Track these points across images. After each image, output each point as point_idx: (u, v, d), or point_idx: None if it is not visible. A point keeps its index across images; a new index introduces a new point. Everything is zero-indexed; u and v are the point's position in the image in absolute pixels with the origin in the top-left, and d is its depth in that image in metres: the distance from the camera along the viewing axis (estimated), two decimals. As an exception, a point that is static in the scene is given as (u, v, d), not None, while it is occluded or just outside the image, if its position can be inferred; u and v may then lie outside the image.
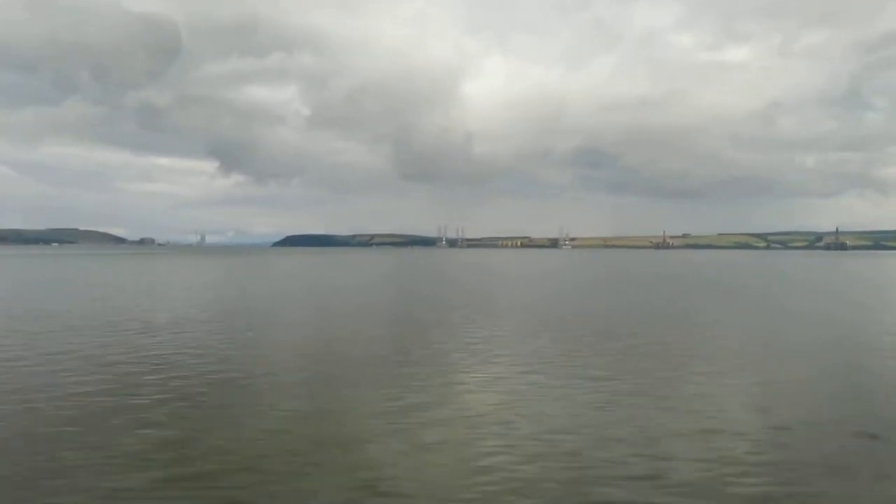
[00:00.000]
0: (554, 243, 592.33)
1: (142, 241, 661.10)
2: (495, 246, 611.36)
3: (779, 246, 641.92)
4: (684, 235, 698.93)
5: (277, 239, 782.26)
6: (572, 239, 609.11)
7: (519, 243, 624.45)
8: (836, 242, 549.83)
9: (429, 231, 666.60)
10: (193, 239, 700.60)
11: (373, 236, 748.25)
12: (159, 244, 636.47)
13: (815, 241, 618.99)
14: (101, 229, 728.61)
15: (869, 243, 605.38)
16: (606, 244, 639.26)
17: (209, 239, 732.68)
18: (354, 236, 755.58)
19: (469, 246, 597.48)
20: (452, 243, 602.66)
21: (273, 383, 17.48)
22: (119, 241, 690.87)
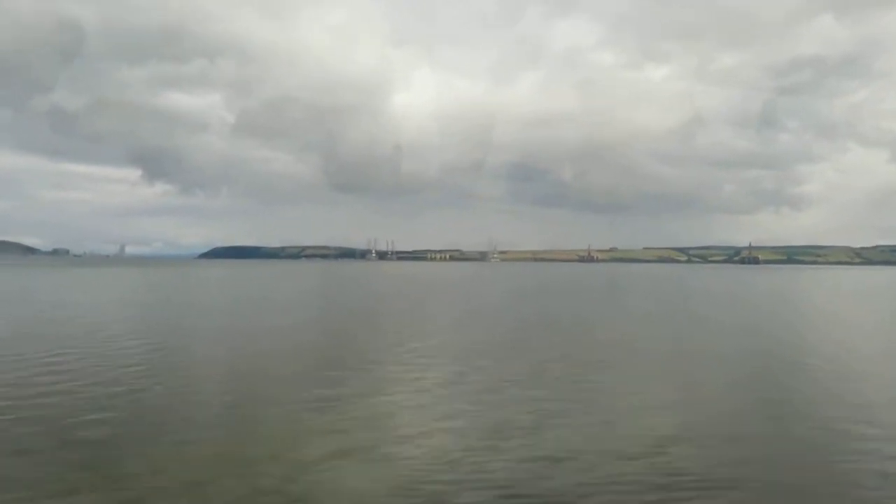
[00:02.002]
0: (483, 256, 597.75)
1: (55, 252, 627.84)
2: (425, 259, 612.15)
3: (699, 260, 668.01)
4: (612, 249, 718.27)
5: (205, 250, 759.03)
6: (502, 252, 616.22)
7: (448, 256, 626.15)
8: (749, 257, 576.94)
9: (360, 243, 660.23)
10: (112, 249, 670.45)
11: (303, 248, 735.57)
12: (75, 255, 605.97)
13: (733, 256, 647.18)
14: (11, 239, 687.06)
15: (783, 257, 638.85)
16: (536, 258, 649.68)
17: (134, 250, 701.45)
18: (284, 248, 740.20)
19: (399, 258, 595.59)
20: (382, 256, 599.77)
21: (184, 406, 16.68)
22: (30, 251, 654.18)
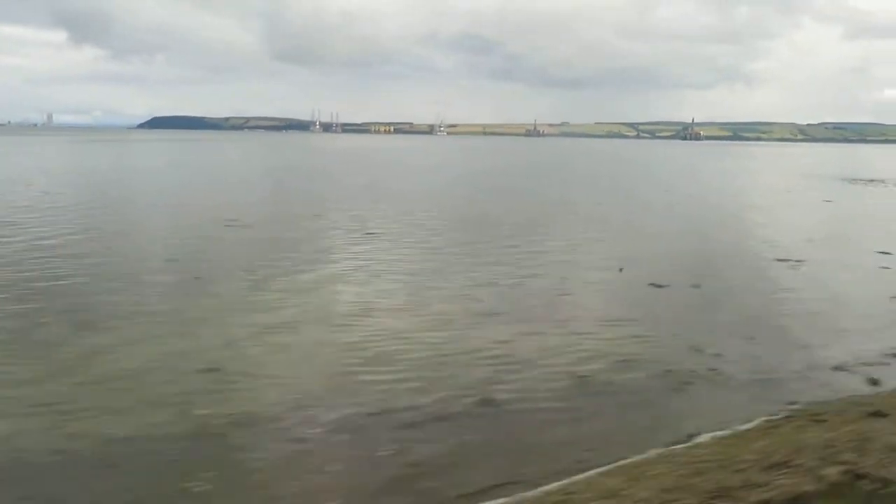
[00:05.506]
0: (431, 130, 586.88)
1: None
2: (369, 131, 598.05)
3: (648, 135, 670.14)
4: (563, 123, 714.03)
5: (143, 121, 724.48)
6: (451, 126, 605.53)
7: (393, 129, 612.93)
8: (692, 133, 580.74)
9: (306, 115, 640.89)
10: (39, 118, 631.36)
11: (248, 119, 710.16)
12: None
13: (681, 131, 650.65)
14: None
15: (728, 134, 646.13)
16: (486, 131, 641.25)
17: (70, 119, 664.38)
18: (228, 119, 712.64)
19: (344, 131, 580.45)
20: (327, 128, 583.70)
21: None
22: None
